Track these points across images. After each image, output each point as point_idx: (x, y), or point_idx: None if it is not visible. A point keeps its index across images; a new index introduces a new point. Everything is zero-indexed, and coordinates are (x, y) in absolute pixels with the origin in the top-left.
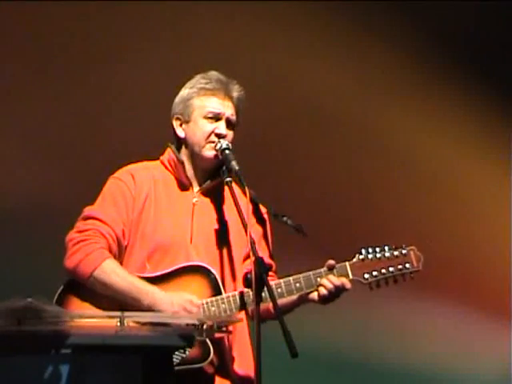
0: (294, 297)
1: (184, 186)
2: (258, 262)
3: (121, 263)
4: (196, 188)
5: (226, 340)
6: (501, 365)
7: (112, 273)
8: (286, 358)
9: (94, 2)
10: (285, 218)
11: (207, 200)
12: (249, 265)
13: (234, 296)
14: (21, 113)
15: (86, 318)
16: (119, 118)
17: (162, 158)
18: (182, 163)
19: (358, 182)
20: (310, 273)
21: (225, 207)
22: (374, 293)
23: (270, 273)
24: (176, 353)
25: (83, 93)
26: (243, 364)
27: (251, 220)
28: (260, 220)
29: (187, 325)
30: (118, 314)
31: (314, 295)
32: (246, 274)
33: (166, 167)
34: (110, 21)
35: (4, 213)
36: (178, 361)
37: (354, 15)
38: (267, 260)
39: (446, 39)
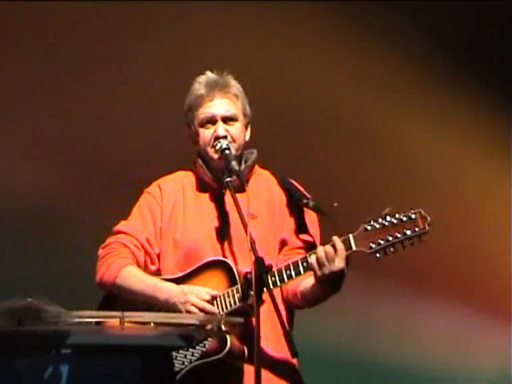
0: (310, 283)
1: (209, 187)
2: (258, 262)
3: (156, 271)
4: (221, 188)
5: (257, 327)
6: (501, 365)
7: (130, 277)
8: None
9: (102, 1)
10: (305, 201)
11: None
12: (284, 251)
13: (249, 278)
14: (22, 113)
15: (87, 318)
16: (127, 119)
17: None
18: (202, 166)
19: (358, 182)
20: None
21: (250, 202)
22: (374, 293)
23: (302, 254)
24: (197, 347)
25: (87, 93)
26: (278, 348)
27: (284, 211)
28: (295, 209)
29: (188, 325)
30: (118, 313)
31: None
32: (246, 273)
33: (193, 173)
34: (118, 21)
35: (4, 213)
36: (198, 355)
37: (354, 15)
38: (297, 243)
39: (446, 39)
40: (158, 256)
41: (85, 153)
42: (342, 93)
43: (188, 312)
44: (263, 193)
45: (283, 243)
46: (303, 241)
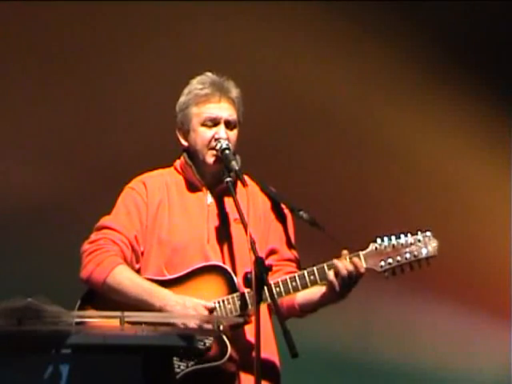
0: (316, 295)
1: (196, 188)
2: (258, 262)
3: (139, 269)
4: (208, 190)
5: (249, 335)
6: (501, 365)
7: (123, 278)
8: (286, 358)
9: (102, 2)
10: (301, 213)
11: (220, 201)
12: (273, 261)
13: (249, 292)
14: (21, 114)
15: (87, 318)
16: (125, 119)
17: (175, 163)
18: (191, 166)
19: (358, 182)
20: (324, 264)
21: (238, 203)
22: (374, 293)
23: (291, 266)
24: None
25: (86, 94)
26: (268, 357)
27: (270, 216)
28: (279, 216)
29: (188, 325)
30: (118, 313)
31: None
32: (246, 273)
33: (178, 172)
34: (118, 22)
35: (4, 213)
36: (196, 360)
37: (353, 15)
38: (287, 254)
39: (446, 39)
40: (142, 254)
41: (85, 153)
42: (341, 94)
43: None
44: (247, 193)
45: (272, 252)
46: (291, 252)
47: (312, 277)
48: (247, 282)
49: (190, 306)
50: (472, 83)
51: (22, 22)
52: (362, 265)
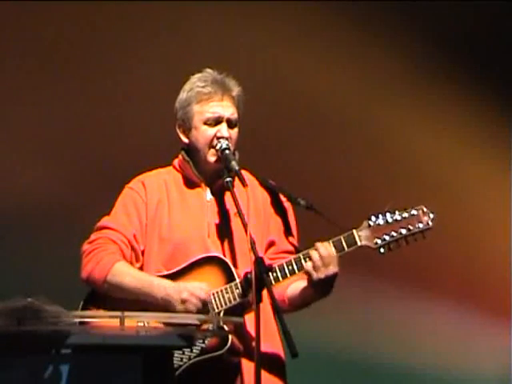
0: (299, 289)
1: (195, 185)
2: (258, 262)
3: (140, 268)
4: (208, 186)
5: (251, 327)
6: (501, 365)
7: (123, 274)
8: (286, 357)
9: (100, 2)
10: (298, 199)
11: (220, 197)
12: (271, 253)
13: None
14: (21, 113)
15: (87, 318)
16: (126, 120)
17: (173, 162)
18: (189, 162)
19: (357, 181)
20: (308, 250)
21: (238, 202)
22: (374, 293)
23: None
24: (196, 344)
25: (87, 93)
26: (270, 345)
27: (270, 210)
28: (279, 209)
29: (188, 325)
30: (119, 313)
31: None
32: (246, 273)
33: (176, 170)
34: (116, 22)
35: (4, 213)
36: (198, 351)
37: (354, 15)
38: (286, 246)
39: (446, 39)
40: (142, 253)
41: (85, 153)
42: (342, 94)
43: (187, 311)
44: (247, 193)
45: (271, 244)
46: (290, 243)
47: (308, 259)
48: (247, 282)
49: (185, 291)
50: (472, 83)
51: (21, 22)
52: (330, 250)
